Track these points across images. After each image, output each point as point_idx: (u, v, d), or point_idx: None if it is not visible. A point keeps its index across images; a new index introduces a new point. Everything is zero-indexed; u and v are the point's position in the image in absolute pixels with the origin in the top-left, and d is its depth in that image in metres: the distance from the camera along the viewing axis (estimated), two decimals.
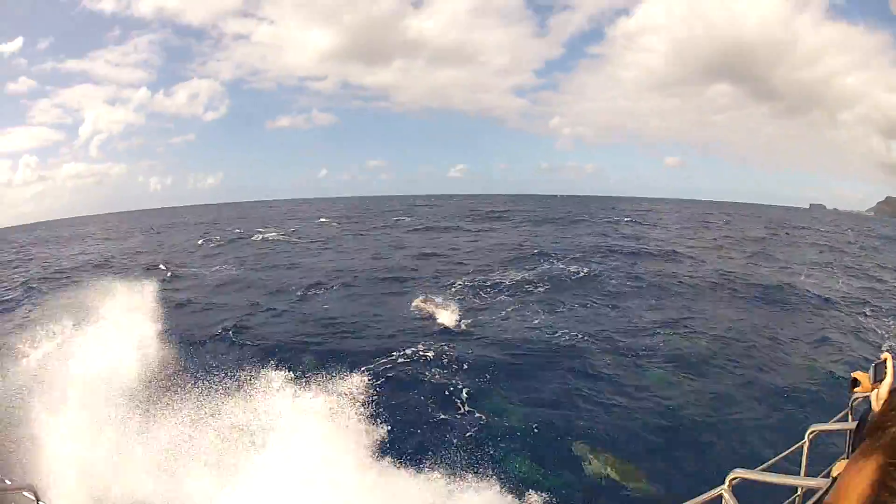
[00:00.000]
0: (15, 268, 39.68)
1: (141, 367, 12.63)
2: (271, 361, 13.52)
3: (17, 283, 30.32)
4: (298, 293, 23.73)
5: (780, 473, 4.05)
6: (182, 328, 18.22)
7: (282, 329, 18.59)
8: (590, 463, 10.28)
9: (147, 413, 10.73)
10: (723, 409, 12.64)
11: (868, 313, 21.91)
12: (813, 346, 17.59)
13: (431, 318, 19.44)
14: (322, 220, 67.97)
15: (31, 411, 10.84)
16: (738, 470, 3.44)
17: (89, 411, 10.71)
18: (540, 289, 23.94)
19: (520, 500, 9.00)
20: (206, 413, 10.55)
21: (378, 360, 14.65)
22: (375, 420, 10.95)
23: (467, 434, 11.30)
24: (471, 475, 9.31)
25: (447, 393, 13.14)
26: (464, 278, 25.62)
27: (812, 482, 3.52)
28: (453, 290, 23.55)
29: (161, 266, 31.37)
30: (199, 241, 47.64)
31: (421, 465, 9.68)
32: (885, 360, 2.94)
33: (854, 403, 4.68)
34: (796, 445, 4.49)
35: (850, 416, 4.71)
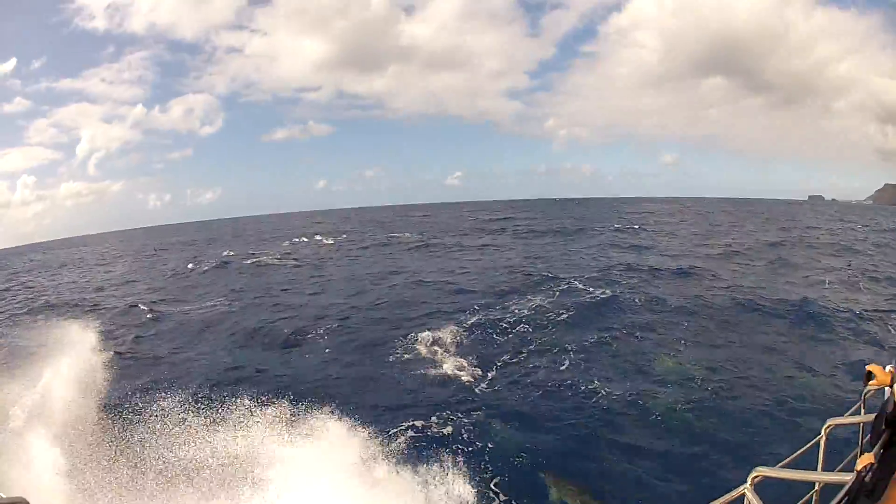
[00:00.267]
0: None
1: None
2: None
3: None
4: (286, 341, 21.21)
5: (801, 469, 3.98)
6: (139, 395, 15.81)
7: (264, 393, 15.87)
8: None
9: None
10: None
11: None
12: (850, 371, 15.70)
13: (443, 371, 16.99)
14: (318, 237, 65.48)
15: None
16: (760, 468, 3.42)
17: None
18: (563, 317, 21.66)
19: None
20: None
21: (379, 440, 11.82)
22: None
23: None
24: None
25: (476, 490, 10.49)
26: (475, 310, 23.19)
27: (835, 477, 3.42)
28: (465, 326, 20.94)
29: (141, 306, 28.86)
30: (190, 266, 45.45)
31: None
32: None
33: (867, 396, 4.70)
34: (814, 440, 4.47)
35: (862, 409, 4.74)
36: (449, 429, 13.02)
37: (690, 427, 12.91)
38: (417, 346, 19.00)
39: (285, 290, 31.24)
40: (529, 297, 25.02)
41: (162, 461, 11.07)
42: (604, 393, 14.77)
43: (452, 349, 18.67)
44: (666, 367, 16.60)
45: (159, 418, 13.04)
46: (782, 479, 3.51)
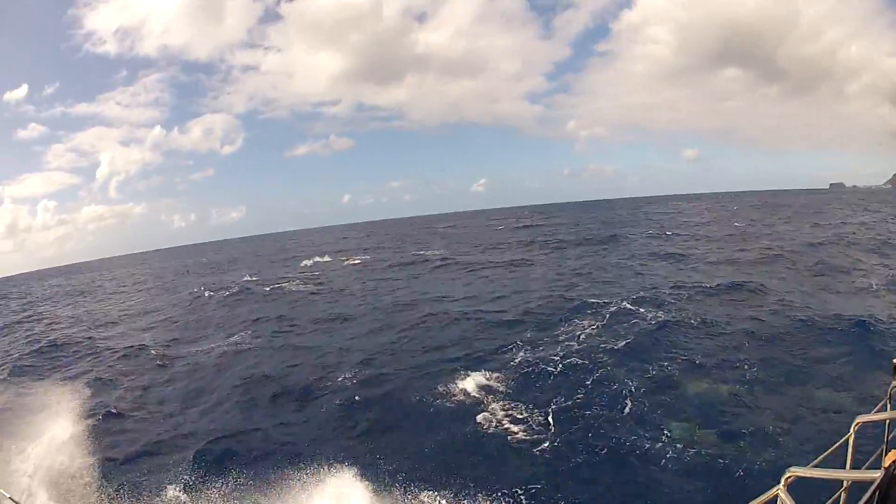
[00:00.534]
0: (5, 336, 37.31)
1: None
2: None
3: None
4: (304, 390, 18.40)
5: (833, 468, 3.94)
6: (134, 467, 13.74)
7: (276, 462, 13.54)
8: None
9: None
10: None
11: None
12: None
13: (491, 425, 14.53)
14: (342, 256, 62.97)
15: None
16: (793, 468, 3.32)
17: None
18: (616, 347, 18.91)
19: None
20: None
21: None
22: None
23: None
24: None
25: None
26: (518, 345, 20.43)
27: (865, 474, 3.12)
28: (509, 366, 18.31)
29: (151, 349, 26.47)
30: (208, 293, 43.02)
31: None
32: None
33: (893, 392, 4.74)
34: (843, 439, 4.32)
35: (888, 405, 4.77)
36: None
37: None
38: (456, 394, 16.52)
39: (304, 324, 28.66)
40: (575, 322, 22.41)
41: None
42: (674, 451, 12.33)
43: (499, 396, 16.16)
44: (737, 410, 14.23)
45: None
46: (813, 479, 3.30)
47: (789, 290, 25.82)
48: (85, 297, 61.74)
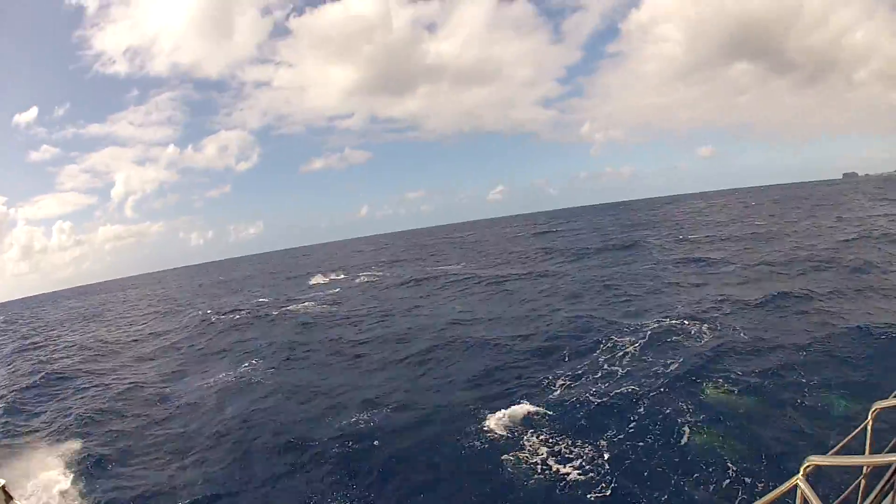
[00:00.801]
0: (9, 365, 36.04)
1: None
2: None
3: None
4: (315, 436, 15.90)
5: (851, 455, 4.02)
6: None
7: None
8: None
9: None
10: None
11: None
12: None
13: (540, 461, 12.67)
14: (359, 275, 60.55)
15: None
16: (812, 457, 3.33)
17: None
18: (667, 371, 16.79)
19: None
20: None
21: None
22: None
23: None
24: None
25: None
26: (556, 370, 18.41)
27: (882, 459, 3.33)
28: (553, 394, 16.34)
29: (147, 389, 24.42)
30: (216, 318, 41.10)
31: None
32: None
33: None
34: (861, 425, 4.35)
35: None
36: None
37: None
38: (491, 433, 14.42)
39: (312, 353, 26.31)
40: (614, 341, 20.23)
41: None
42: (737, 482, 10.93)
43: (541, 431, 14.16)
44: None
45: None
46: (832, 467, 3.74)
47: (837, 296, 23.35)
48: (94, 320, 60.77)
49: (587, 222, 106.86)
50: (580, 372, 17.97)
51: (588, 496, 11.18)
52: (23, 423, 21.18)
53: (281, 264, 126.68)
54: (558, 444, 13.37)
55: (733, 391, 14.90)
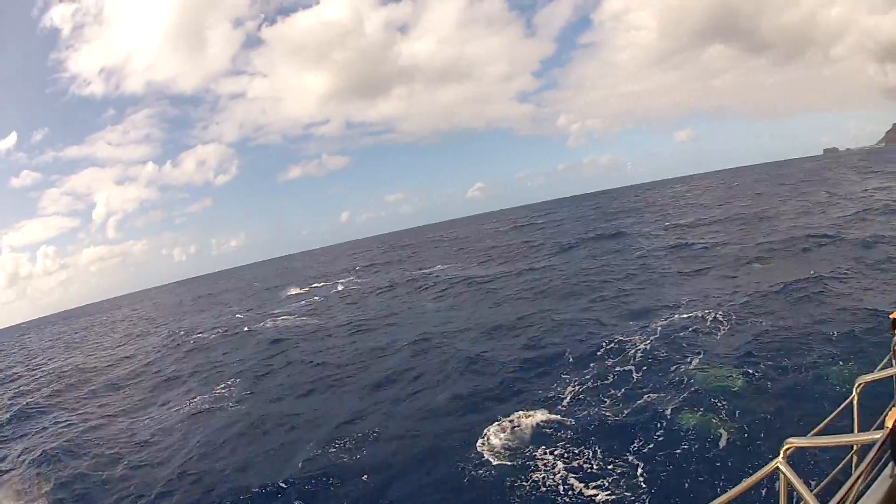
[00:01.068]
0: None
1: None
2: None
3: None
4: (284, 481, 13.35)
5: (834, 434, 3.75)
6: None
7: None
8: None
9: None
10: None
11: None
12: None
13: (561, 480, 10.92)
14: (340, 283, 57.79)
15: None
16: (791, 439, 3.16)
17: None
18: (693, 367, 14.94)
19: None
20: None
21: None
22: None
23: None
24: None
25: None
26: (563, 375, 16.40)
27: (867, 437, 3.18)
28: (563, 404, 14.35)
29: (104, 414, 22.44)
30: (190, 339, 38.85)
31: None
32: None
33: None
34: (846, 402, 4.25)
35: (894, 361, 4.65)
36: None
37: None
38: (498, 454, 12.40)
39: (284, 376, 23.71)
40: (620, 340, 18.17)
41: None
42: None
43: (556, 446, 12.24)
44: None
45: None
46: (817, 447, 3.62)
47: (853, 273, 21.61)
48: (74, 347, 58.65)
49: (568, 213, 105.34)
50: (586, 374, 16.13)
51: None
52: None
53: (261, 276, 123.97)
54: (577, 459, 11.53)
55: (766, 385, 13.21)
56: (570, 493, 10.47)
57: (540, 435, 12.86)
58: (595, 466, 11.18)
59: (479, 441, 13.08)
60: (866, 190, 50.59)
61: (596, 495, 10.21)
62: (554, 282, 32.10)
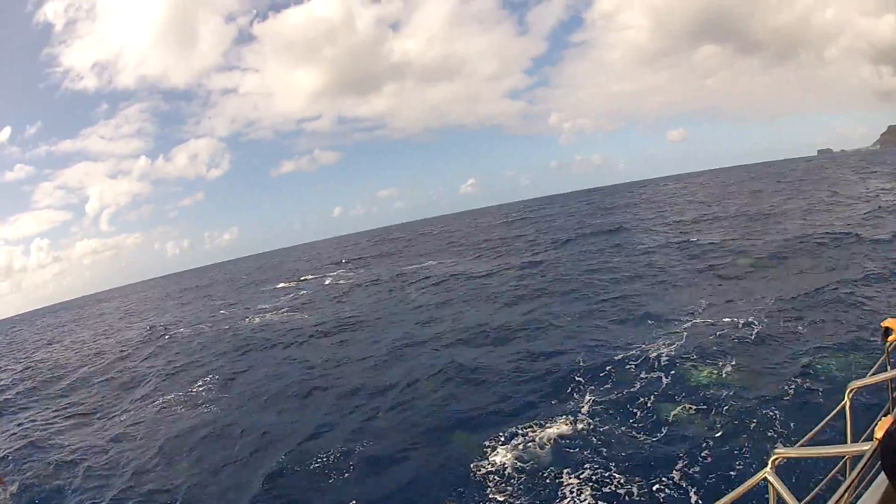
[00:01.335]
0: None
1: None
2: None
3: None
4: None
5: (824, 444, 3.94)
6: None
7: None
8: None
9: None
10: None
11: None
12: None
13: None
14: (329, 277, 56.19)
15: None
16: (779, 449, 3.16)
17: None
18: (728, 371, 13.54)
19: None
20: None
21: None
22: None
23: None
24: None
25: None
26: (578, 380, 14.69)
27: (856, 448, 3.10)
28: (582, 413, 12.68)
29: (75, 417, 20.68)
30: (166, 336, 37.02)
31: None
32: None
33: (890, 349, 4.52)
34: (838, 407, 4.06)
35: (888, 366, 4.50)
36: None
37: None
38: (508, 473, 10.69)
39: (259, 380, 21.40)
40: (640, 347, 16.28)
41: None
42: None
43: (575, 463, 10.66)
44: None
45: None
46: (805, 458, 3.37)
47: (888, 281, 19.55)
48: (56, 342, 56.22)
49: (561, 209, 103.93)
50: (604, 378, 14.53)
51: None
52: None
53: (252, 269, 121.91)
54: (610, 485, 9.82)
55: (817, 394, 11.69)
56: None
57: (559, 455, 11.10)
58: (622, 485, 9.68)
59: (486, 462, 11.30)
60: (870, 190, 49.14)
61: None
62: (555, 278, 30.23)
